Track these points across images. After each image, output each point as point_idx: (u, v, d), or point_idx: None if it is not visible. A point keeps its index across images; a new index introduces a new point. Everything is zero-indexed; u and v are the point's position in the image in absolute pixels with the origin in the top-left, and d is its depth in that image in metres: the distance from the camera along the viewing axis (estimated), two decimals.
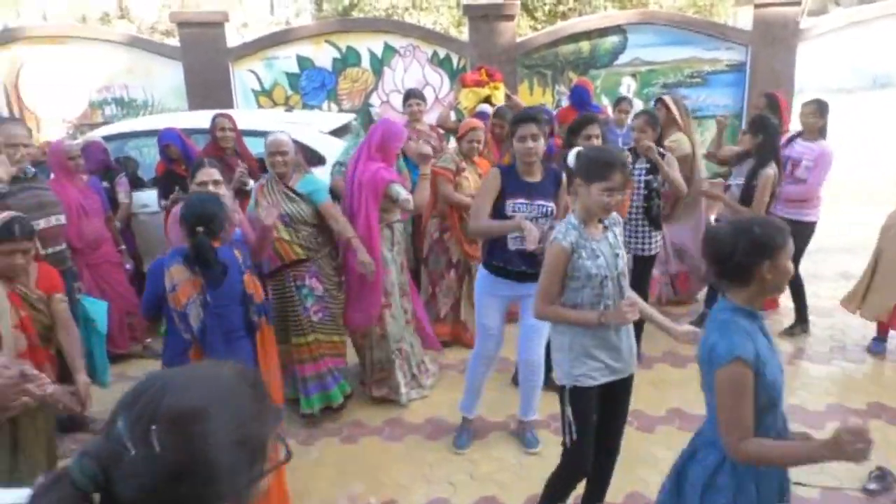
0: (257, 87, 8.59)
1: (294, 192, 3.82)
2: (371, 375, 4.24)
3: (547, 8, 13.33)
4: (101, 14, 18.06)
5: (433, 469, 3.57)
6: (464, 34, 9.29)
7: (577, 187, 2.59)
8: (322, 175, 4.77)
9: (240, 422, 0.92)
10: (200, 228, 2.79)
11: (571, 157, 2.76)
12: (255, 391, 0.97)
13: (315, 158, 5.15)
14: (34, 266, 2.85)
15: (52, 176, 4.49)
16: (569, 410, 2.65)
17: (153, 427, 0.85)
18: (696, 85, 8.38)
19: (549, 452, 3.55)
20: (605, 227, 2.67)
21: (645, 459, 3.51)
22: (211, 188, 3.30)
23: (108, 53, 8.45)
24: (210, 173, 3.32)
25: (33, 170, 3.86)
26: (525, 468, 3.53)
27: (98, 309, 3.29)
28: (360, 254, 3.81)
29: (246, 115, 5.98)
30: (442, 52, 8.52)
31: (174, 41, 8.85)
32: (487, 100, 6.23)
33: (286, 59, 8.53)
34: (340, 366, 4.09)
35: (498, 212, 3.31)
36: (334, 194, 4.20)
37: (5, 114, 8.12)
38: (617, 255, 2.64)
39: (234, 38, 8.83)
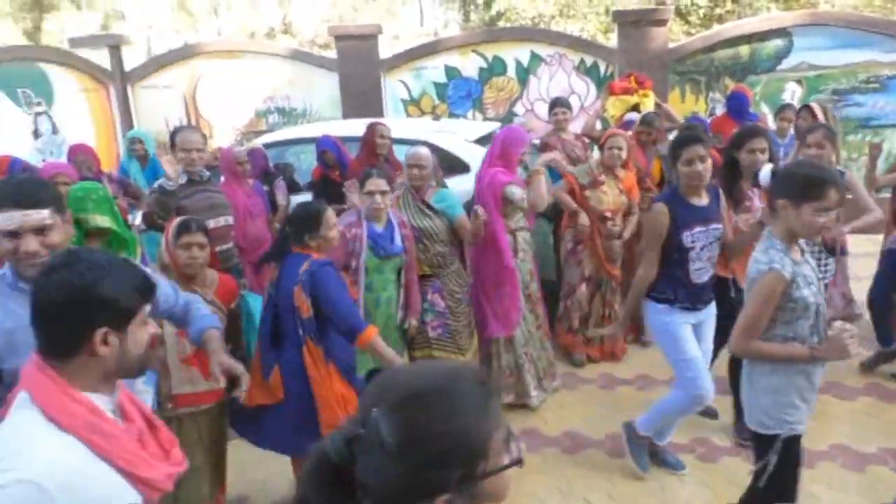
0: (406, 97, 8.88)
1: (428, 206, 3.88)
2: (499, 382, 4.24)
3: (702, 12, 12.74)
4: (267, 29, 19.55)
5: (570, 483, 3.49)
6: (612, 41, 9.09)
7: (782, 209, 2.34)
8: (467, 183, 4.85)
9: (459, 414, 0.93)
10: (286, 228, 3.07)
11: (765, 175, 2.56)
12: (483, 389, 0.98)
13: (460, 166, 5.23)
14: (215, 275, 3.04)
15: (223, 179, 4.88)
16: (773, 459, 2.43)
17: (374, 409, 0.92)
18: (873, 91, 7.63)
19: (694, 478, 3.38)
20: (802, 251, 2.44)
21: (804, 499, 3.22)
22: (378, 198, 3.46)
23: (274, 66, 9.09)
24: (378, 184, 3.47)
25: (207, 173, 4.21)
26: (668, 492, 3.37)
27: (259, 305, 3.52)
28: (467, 226, 3.82)
29: (395, 123, 6.19)
30: (589, 60, 8.38)
31: (331, 53, 9.36)
32: (636, 108, 6.04)
33: (434, 69, 8.76)
34: None
35: (674, 244, 3.13)
36: None
37: (184, 122, 8.97)
38: (819, 279, 2.43)
39: (386, 49, 9.20)
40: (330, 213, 3.06)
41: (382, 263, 3.59)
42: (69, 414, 1.30)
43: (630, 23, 8.16)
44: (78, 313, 1.35)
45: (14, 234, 1.79)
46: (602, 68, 8.35)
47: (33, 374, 1.36)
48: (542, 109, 7.81)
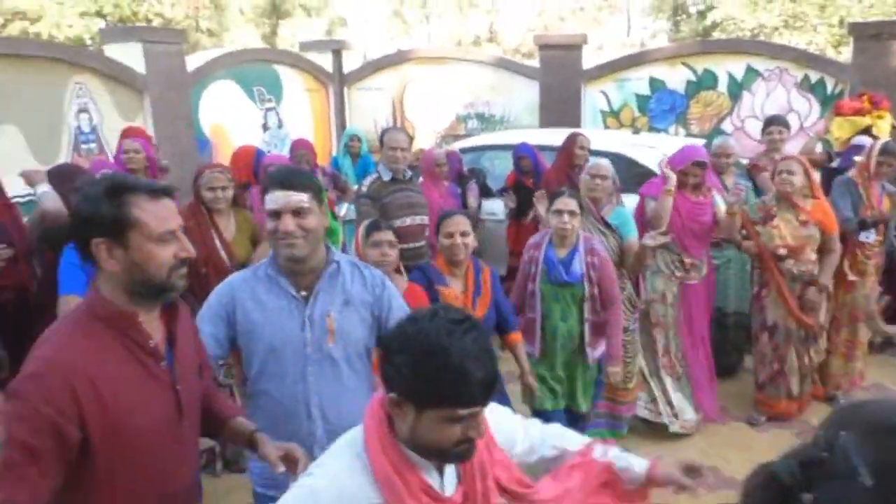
0: (606, 108, 8.71)
1: (605, 224, 3.75)
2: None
3: None
4: (473, 38, 20.20)
5: None
6: (844, 55, 8.22)
7: None
8: None
9: None
10: None
11: None
12: None
13: None
14: (403, 280, 3.03)
15: (422, 179, 5.11)
16: None
17: (842, 433, 0.86)
18: None
19: None
20: None
21: None
22: (566, 218, 3.30)
23: (477, 73, 9.35)
24: (567, 203, 3.32)
25: (410, 173, 4.43)
26: None
27: None
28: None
29: (593, 134, 6.09)
30: (814, 76, 7.64)
31: (533, 62, 9.43)
32: (867, 131, 5.42)
33: (638, 80, 8.49)
34: (623, 413, 4.01)
35: None
36: None
37: (391, 123, 9.54)
38: None
39: (589, 59, 9.09)
40: (452, 221, 3.00)
41: (557, 291, 3.38)
42: (374, 456, 1.32)
43: (869, 36, 7.31)
44: (388, 365, 1.31)
45: (276, 215, 1.97)
46: (829, 85, 7.58)
47: (372, 404, 1.39)
48: (754, 128, 7.27)
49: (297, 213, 1.96)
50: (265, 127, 8.70)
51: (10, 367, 3.44)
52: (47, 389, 1.41)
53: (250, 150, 4.99)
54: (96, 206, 1.50)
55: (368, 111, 9.90)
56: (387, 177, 4.29)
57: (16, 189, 4.24)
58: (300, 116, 9.33)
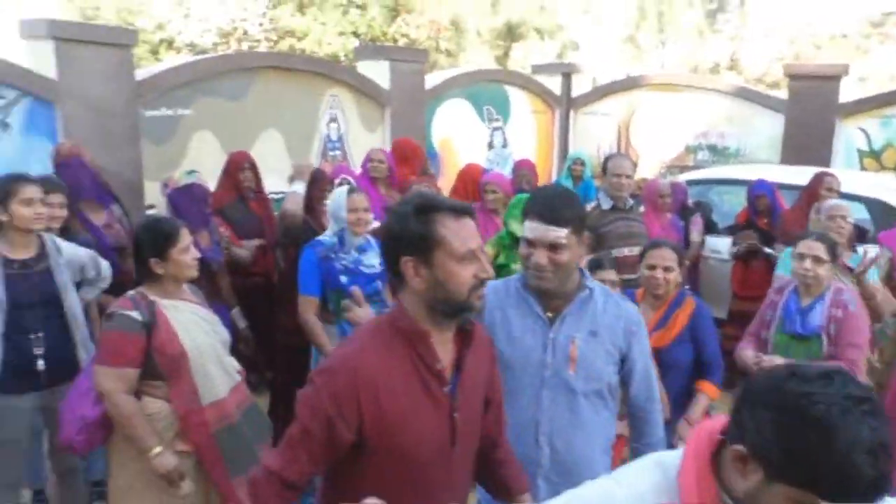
0: (864, 147, 7.75)
1: (849, 269, 3.46)
2: None
3: None
4: (711, 65, 19.16)
5: None
6: None
7: None
8: None
9: None
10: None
11: None
12: None
13: None
14: None
15: (643, 209, 4.92)
16: None
17: None
18: None
19: None
20: None
21: None
22: (807, 264, 3.01)
23: (712, 102, 8.84)
24: (811, 247, 3.03)
25: (631, 202, 4.30)
26: None
27: None
28: None
29: (845, 175, 5.42)
30: None
31: (778, 93, 8.69)
32: None
33: None
34: None
35: None
36: None
37: (615, 149, 9.34)
38: None
39: (848, 92, 8.16)
40: (657, 253, 2.98)
41: (790, 344, 3.05)
42: (688, 495, 1.15)
43: None
44: (746, 414, 1.10)
45: (532, 244, 1.95)
46: None
47: (699, 431, 1.23)
48: None
49: (553, 248, 1.91)
50: (490, 145, 8.96)
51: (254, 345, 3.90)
52: (335, 387, 1.50)
53: (478, 168, 5.19)
54: (405, 224, 1.53)
55: (593, 136, 9.78)
56: (606, 205, 4.20)
57: (272, 186, 4.81)
58: (524, 137, 9.47)
